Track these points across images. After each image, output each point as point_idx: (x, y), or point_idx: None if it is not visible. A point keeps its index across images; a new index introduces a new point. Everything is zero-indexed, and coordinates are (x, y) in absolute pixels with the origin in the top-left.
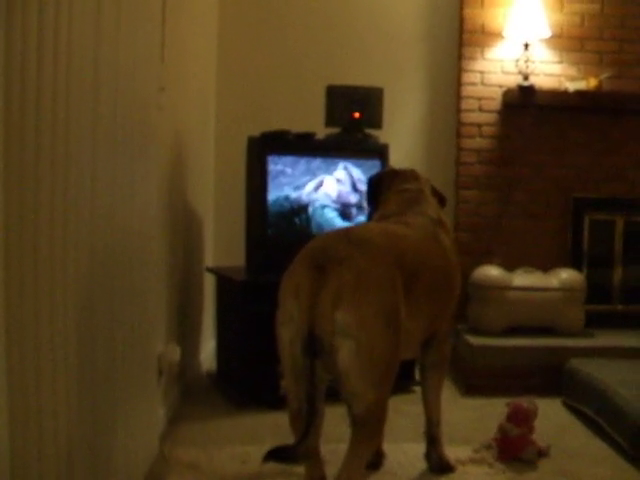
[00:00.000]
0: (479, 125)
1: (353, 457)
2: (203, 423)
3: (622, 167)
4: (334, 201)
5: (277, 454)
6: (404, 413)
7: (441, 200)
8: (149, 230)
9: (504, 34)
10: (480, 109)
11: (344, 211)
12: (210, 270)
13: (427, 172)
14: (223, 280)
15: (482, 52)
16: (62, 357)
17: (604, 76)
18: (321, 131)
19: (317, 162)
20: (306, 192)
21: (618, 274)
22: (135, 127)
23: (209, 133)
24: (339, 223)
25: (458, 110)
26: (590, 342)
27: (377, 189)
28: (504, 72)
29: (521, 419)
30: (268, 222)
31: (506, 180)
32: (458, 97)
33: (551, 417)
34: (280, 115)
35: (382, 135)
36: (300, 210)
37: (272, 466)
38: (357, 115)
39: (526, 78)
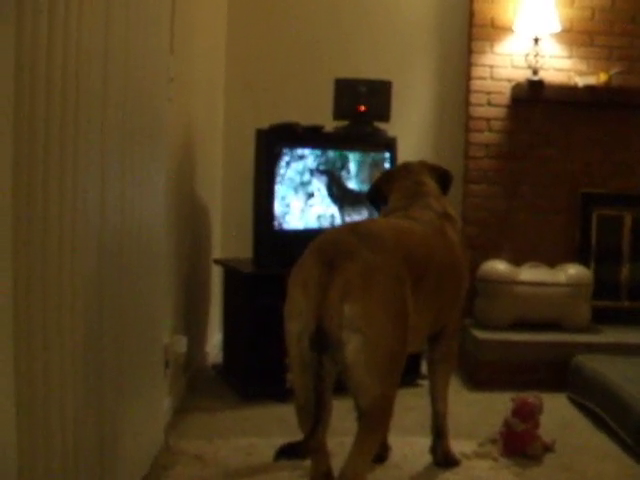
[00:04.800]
0: (488, 119)
1: (359, 450)
2: (209, 415)
3: (631, 163)
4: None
5: (287, 451)
6: (410, 407)
7: (445, 178)
8: (157, 221)
9: (514, 28)
10: (489, 103)
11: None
12: (217, 262)
13: None
14: (230, 272)
15: (491, 46)
16: (69, 348)
17: (614, 71)
18: (329, 124)
19: (325, 155)
20: (313, 186)
21: (626, 270)
22: (144, 118)
23: (218, 125)
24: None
25: (467, 104)
26: (596, 338)
27: (378, 199)
28: (513, 66)
29: (526, 414)
30: (276, 215)
31: (514, 175)
32: (467, 91)
33: (556, 412)
34: (289, 108)
35: (390, 128)
36: (308, 202)
37: None
38: (362, 108)
39: (535, 73)
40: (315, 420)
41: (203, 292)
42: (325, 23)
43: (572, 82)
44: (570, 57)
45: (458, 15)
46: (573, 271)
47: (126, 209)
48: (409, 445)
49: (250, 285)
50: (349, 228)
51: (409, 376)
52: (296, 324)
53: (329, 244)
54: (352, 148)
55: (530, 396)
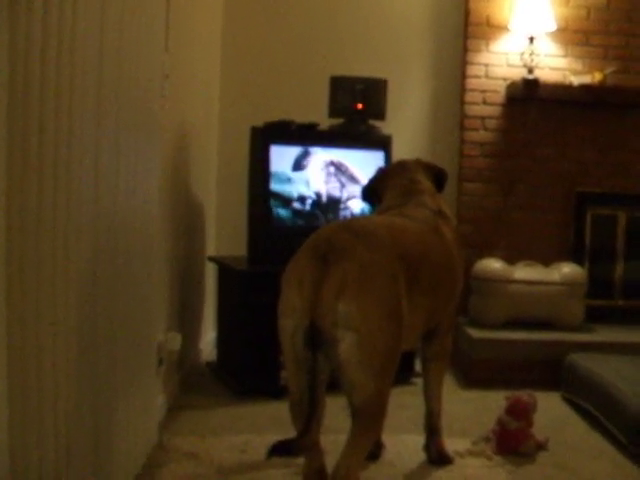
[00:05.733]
0: (483, 118)
1: (353, 448)
2: (202, 412)
3: (626, 162)
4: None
5: (280, 448)
6: (404, 405)
7: (440, 176)
8: (151, 218)
9: (509, 27)
10: (484, 102)
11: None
12: (212, 259)
13: None
14: (224, 269)
15: (487, 45)
16: (63, 345)
17: (609, 70)
18: (325, 122)
19: (320, 153)
20: (308, 183)
21: (620, 269)
22: (139, 116)
23: (213, 122)
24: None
25: (462, 102)
26: (590, 337)
27: (373, 197)
28: (509, 65)
29: (520, 412)
30: (270, 212)
31: (509, 173)
32: (462, 89)
33: (550, 411)
34: (284, 105)
35: (386, 126)
36: (303, 201)
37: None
38: (360, 106)
39: (530, 71)
40: (308, 417)
41: (197, 289)
42: (321, 20)
43: (567, 81)
44: (565, 56)
45: (454, 13)
46: (567, 270)
47: (120, 206)
48: (403, 443)
49: (244, 282)
50: (344, 225)
51: (403, 374)
52: (290, 321)
53: (324, 241)
54: (347, 146)
55: (524, 394)
